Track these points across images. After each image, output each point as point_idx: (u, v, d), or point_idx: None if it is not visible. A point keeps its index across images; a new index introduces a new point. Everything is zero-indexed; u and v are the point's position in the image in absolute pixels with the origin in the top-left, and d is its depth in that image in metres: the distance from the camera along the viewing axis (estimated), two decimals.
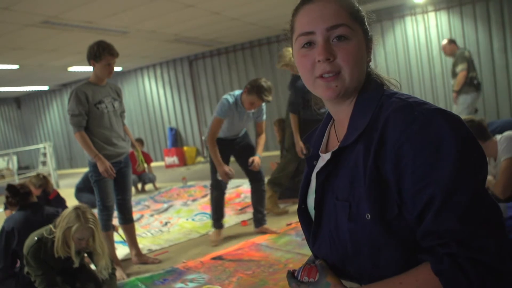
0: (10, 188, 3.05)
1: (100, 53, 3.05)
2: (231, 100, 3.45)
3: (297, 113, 4.11)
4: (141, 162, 3.56)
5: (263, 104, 3.61)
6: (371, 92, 0.89)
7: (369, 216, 0.80)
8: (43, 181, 4.43)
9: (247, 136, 3.83)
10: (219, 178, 3.59)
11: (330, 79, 0.86)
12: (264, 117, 3.74)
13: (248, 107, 3.47)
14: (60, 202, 4.59)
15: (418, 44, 7.31)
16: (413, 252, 0.78)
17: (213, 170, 3.62)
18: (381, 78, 0.94)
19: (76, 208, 2.46)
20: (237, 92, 3.55)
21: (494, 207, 0.74)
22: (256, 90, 3.34)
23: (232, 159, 3.74)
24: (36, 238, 2.48)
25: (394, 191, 0.78)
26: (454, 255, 0.71)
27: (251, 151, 3.70)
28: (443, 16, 7.08)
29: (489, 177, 2.68)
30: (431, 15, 7.16)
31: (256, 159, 3.60)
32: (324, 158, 0.95)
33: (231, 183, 3.89)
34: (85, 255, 2.78)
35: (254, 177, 3.74)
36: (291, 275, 0.94)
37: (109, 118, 3.17)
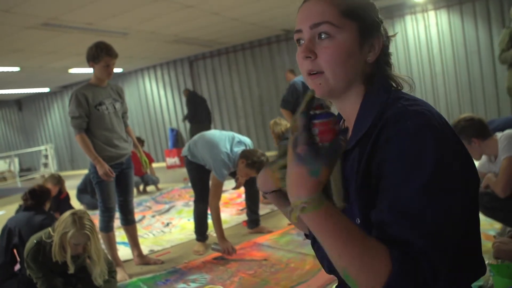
0: (32, 192, 3.09)
1: (98, 54, 3.04)
2: (230, 164, 3.35)
3: (288, 109, 4.26)
4: (144, 163, 3.55)
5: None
6: (375, 96, 0.88)
7: (359, 221, 0.81)
8: (60, 179, 4.65)
9: None
10: None
11: (314, 77, 0.86)
12: None
13: (242, 175, 3.43)
14: (67, 203, 4.71)
15: (419, 43, 7.31)
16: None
17: (195, 183, 3.60)
18: (394, 77, 0.93)
19: (73, 214, 2.45)
20: (235, 149, 3.40)
21: (459, 230, 0.75)
22: (257, 166, 3.30)
23: None
24: (35, 241, 2.49)
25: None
26: (412, 245, 0.70)
27: None
28: (443, 15, 7.07)
29: (489, 175, 2.67)
30: (431, 13, 7.15)
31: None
32: None
33: (233, 183, 3.89)
34: (87, 256, 2.80)
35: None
36: (306, 115, 0.70)
37: (110, 120, 3.17)
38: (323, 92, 0.87)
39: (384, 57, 0.92)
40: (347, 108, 0.92)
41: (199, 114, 7.79)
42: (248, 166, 3.32)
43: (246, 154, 3.35)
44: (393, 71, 0.94)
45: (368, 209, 0.80)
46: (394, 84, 0.92)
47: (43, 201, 3.12)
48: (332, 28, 0.83)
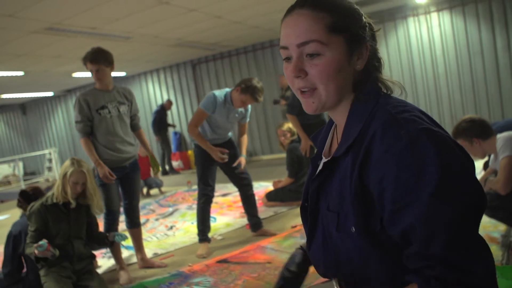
0: (23, 193, 3.11)
1: (84, 61, 3.14)
2: (218, 94, 3.44)
3: (294, 114, 4.25)
4: (154, 166, 3.56)
5: (250, 106, 3.67)
6: (364, 102, 0.87)
7: (354, 229, 0.81)
8: None
9: (232, 144, 3.78)
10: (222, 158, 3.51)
11: (307, 95, 0.87)
12: (248, 119, 3.77)
13: (238, 105, 3.46)
14: None
15: (421, 45, 7.30)
16: (400, 262, 0.78)
17: (201, 176, 3.61)
18: (383, 81, 0.91)
19: (72, 158, 2.82)
20: (227, 89, 3.55)
21: (476, 232, 0.74)
22: (250, 90, 3.35)
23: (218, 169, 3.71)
24: (40, 202, 2.75)
25: (377, 205, 0.79)
26: (442, 278, 0.70)
27: (236, 158, 3.67)
28: (445, 16, 7.07)
29: (490, 178, 2.76)
30: (434, 15, 7.15)
31: (242, 160, 3.63)
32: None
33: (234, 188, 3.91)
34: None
35: (241, 182, 3.74)
36: None
37: (112, 123, 3.19)
38: (316, 109, 0.88)
39: (371, 61, 0.90)
40: (338, 117, 0.93)
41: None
42: (242, 91, 3.38)
43: (240, 81, 3.44)
44: (382, 72, 0.93)
45: (363, 218, 0.80)
46: (383, 88, 0.91)
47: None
48: (320, 46, 0.83)
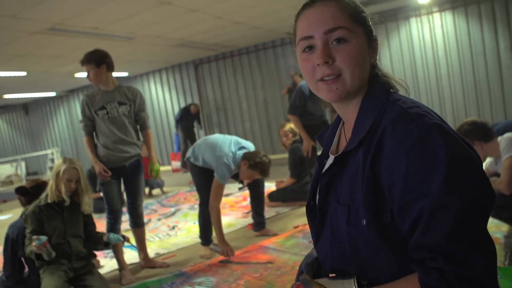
0: (19, 190, 3.10)
1: (81, 63, 3.21)
2: (233, 166, 3.35)
3: (297, 115, 4.24)
4: (151, 169, 3.51)
5: None
6: (375, 97, 0.89)
7: (365, 221, 0.81)
8: None
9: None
10: None
11: (330, 82, 0.87)
12: None
13: (245, 178, 3.46)
14: None
15: (424, 45, 7.29)
16: (407, 257, 0.79)
17: (200, 188, 3.57)
18: (390, 80, 0.94)
19: (64, 157, 2.88)
20: (238, 153, 3.41)
21: (484, 227, 0.75)
22: (259, 167, 3.34)
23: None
24: (33, 205, 2.76)
25: (388, 199, 0.80)
26: (442, 270, 0.71)
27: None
28: (448, 17, 7.06)
29: (493, 178, 2.78)
30: (436, 16, 7.14)
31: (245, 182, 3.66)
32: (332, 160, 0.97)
33: (238, 185, 3.92)
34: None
35: (252, 182, 3.72)
36: None
37: (111, 123, 3.22)
38: (340, 95, 0.88)
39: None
40: (349, 111, 0.93)
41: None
42: (250, 167, 3.34)
43: (248, 156, 3.37)
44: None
45: (374, 210, 0.81)
46: (393, 85, 0.93)
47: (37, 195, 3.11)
48: (347, 33, 0.85)
